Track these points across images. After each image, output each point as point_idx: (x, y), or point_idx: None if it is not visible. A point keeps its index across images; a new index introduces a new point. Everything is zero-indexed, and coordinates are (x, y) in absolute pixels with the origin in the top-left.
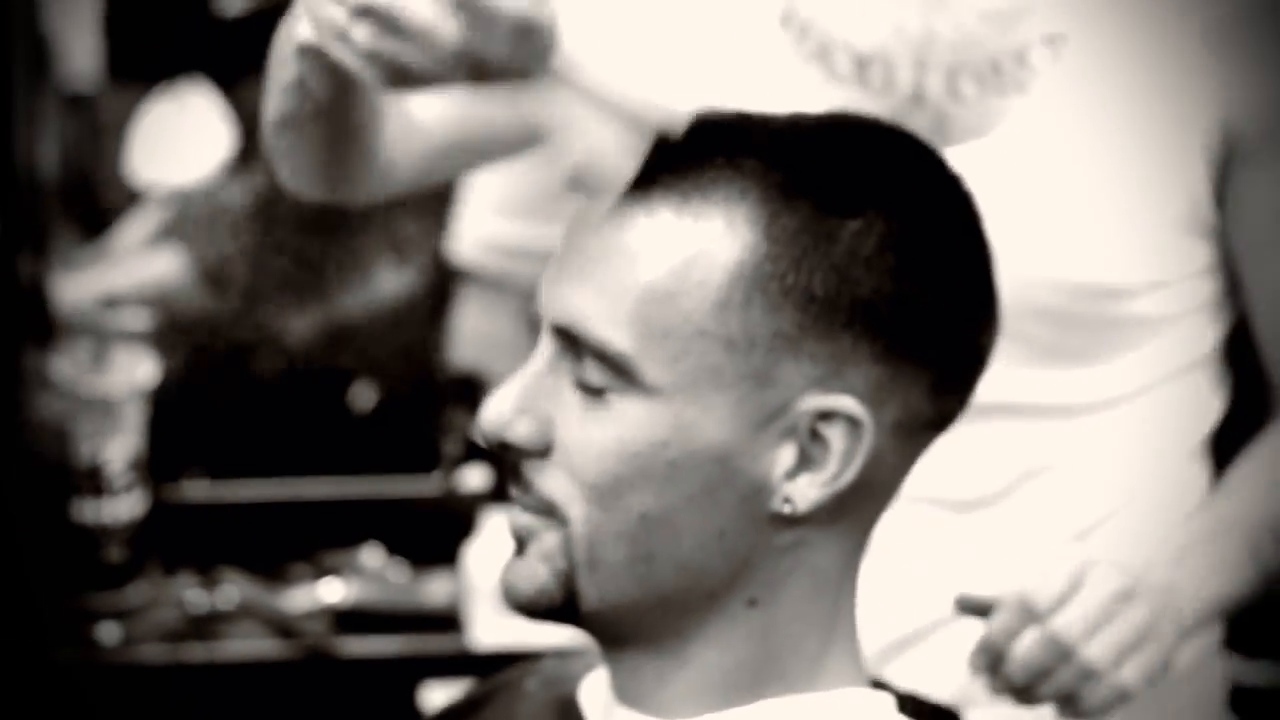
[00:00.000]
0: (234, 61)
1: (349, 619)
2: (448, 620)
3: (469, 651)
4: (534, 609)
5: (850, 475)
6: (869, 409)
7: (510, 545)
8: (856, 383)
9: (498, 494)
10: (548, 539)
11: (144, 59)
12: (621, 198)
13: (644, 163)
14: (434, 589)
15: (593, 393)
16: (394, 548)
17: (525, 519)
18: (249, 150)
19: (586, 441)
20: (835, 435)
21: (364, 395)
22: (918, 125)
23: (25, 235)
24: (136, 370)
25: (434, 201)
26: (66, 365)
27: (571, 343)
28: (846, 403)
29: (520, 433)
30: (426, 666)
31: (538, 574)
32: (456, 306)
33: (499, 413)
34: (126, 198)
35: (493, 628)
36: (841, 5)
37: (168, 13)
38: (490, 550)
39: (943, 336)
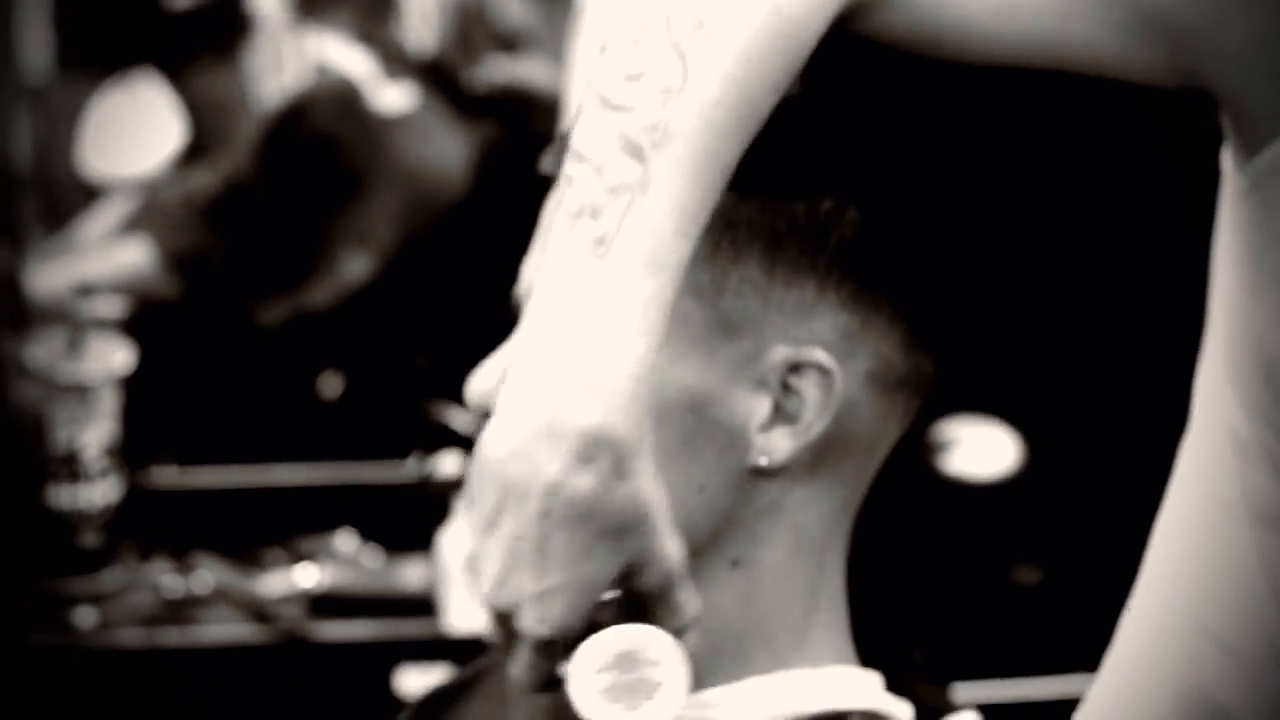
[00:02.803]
0: (183, 52)
1: (324, 603)
2: (423, 605)
3: (444, 636)
4: None
5: (821, 425)
6: (838, 359)
7: None
8: (824, 332)
9: None
10: None
11: (94, 51)
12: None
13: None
14: (409, 574)
15: None
16: (368, 533)
17: None
18: (199, 140)
19: None
20: (807, 386)
21: (331, 383)
22: None
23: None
24: (111, 357)
25: (401, 191)
26: (42, 353)
27: None
28: (815, 353)
29: None
30: (402, 651)
31: None
32: None
33: (485, 384)
34: (79, 189)
35: (467, 612)
36: None
37: (117, 5)
38: (465, 535)
39: (909, 288)
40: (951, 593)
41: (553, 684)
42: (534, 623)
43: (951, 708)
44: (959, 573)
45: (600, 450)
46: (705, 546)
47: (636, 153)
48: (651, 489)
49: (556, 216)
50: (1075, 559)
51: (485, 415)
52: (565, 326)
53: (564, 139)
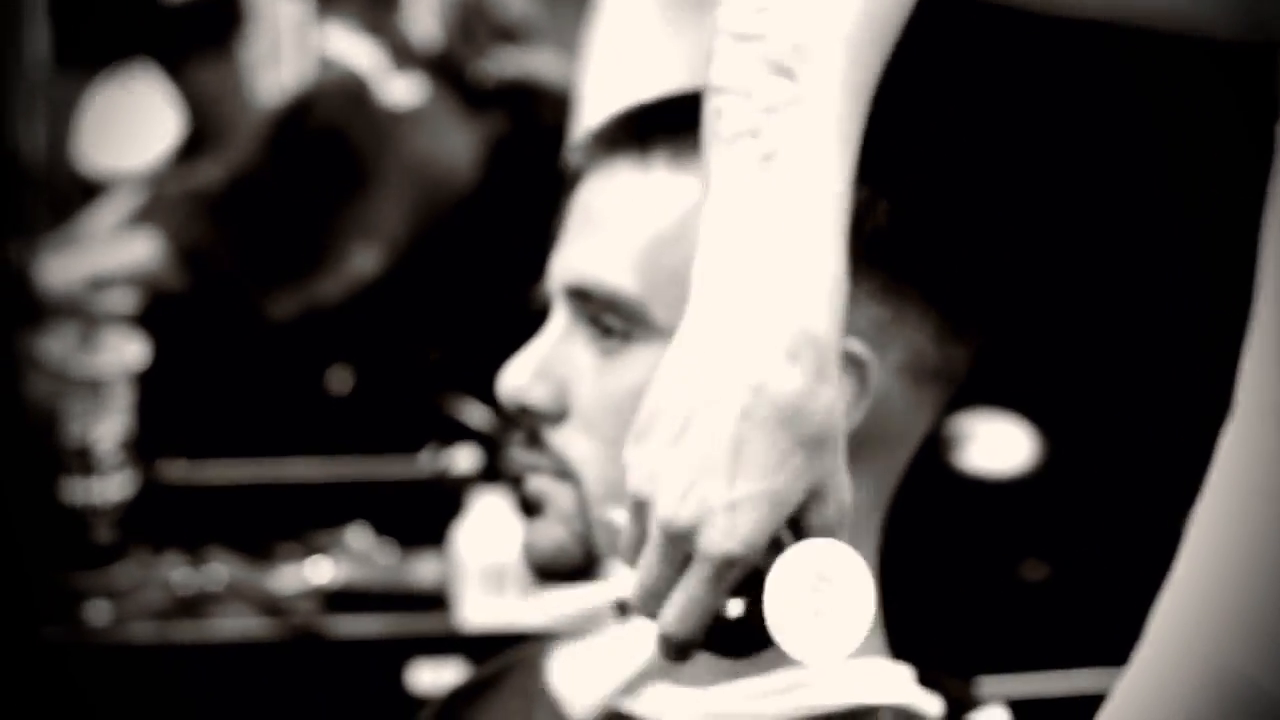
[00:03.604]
0: (180, 46)
1: (337, 599)
2: (436, 600)
3: (457, 631)
4: (555, 568)
5: (859, 415)
6: (873, 349)
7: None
8: (859, 322)
9: (486, 475)
10: (564, 500)
11: (90, 45)
12: (606, 166)
13: (619, 129)
14: (422, 569)
15: (610, 345)
16: (382, 528)
17: (541, 482)
18: (197, 134)
19: (603, 395)
20: (842, 376)
21: (341, 378)
22: None
23: (11, 219)
24: (125, 351)
25: (410, 184)
26: (56, 347)
27: (584, 302)
28: (850, 342)
29: (537, 396)
30: (415, 646)
31: (557, 534)
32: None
33: (517, 379)
34: (78, 184)
35: (481, 608)
36: None
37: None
38: (479, 531)
39: (942, 278)
40: (962, 587)
41: (712, 635)
42: (721, 536)
43: (977, 702)
44: (970, 567)
45: (807, 349)
46: None
47: (785, 72)
48: (841, 407)
49: (711, 150)
50: (1087, 556)
51: (518, 410)
52: (754, 238)
53: (587, 133)
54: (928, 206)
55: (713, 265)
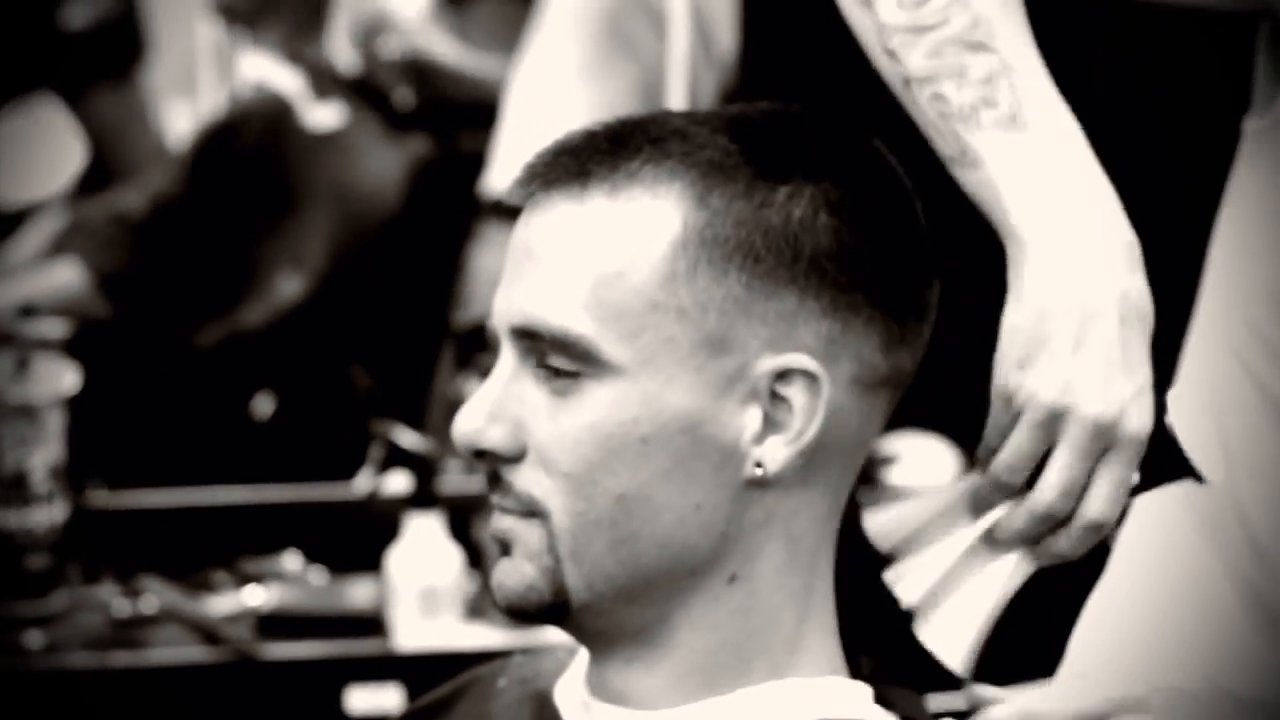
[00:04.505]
0: (80, 74)
1: (272, 623)
2: (371, 624)
3: (393, 654)
4: (524, 607)
5: (814, 430)
6: (823, 364)
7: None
8: (808, 339)
9: (419, 498)
10: (531, 538)
11: None
12: (544, 201)
13: (555, 163)
14: (357, 593)
15: (561, 385)
16: (315, 553)
17: (507, 522)
18: (103, 162)
19: (559, 434)
20: (795, 393)
21: (264, 403)
22: None
23: None
24: (57, 379)
25: (334, 209)
26: None
27: (532, 341)
28: (801, 359)
29: (494, 438)
30: (351, 669)
31: (525, 572)
32: (476, 248)
33: (472, 423)
34: None
35: (416, 631)
36: None
37: (11, 28)
38: (412, 554)
39: (886, 289)
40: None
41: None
42: (1139, 422)
43: (928, 718)
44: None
45: (1137, 256)
46: (703, 564)
47: (981, 46)
48: None
49: (948, 126)
50: None
51: (475, 455)
52: (1055, 180)
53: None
54: (868, 218)
55: (1036, 208)
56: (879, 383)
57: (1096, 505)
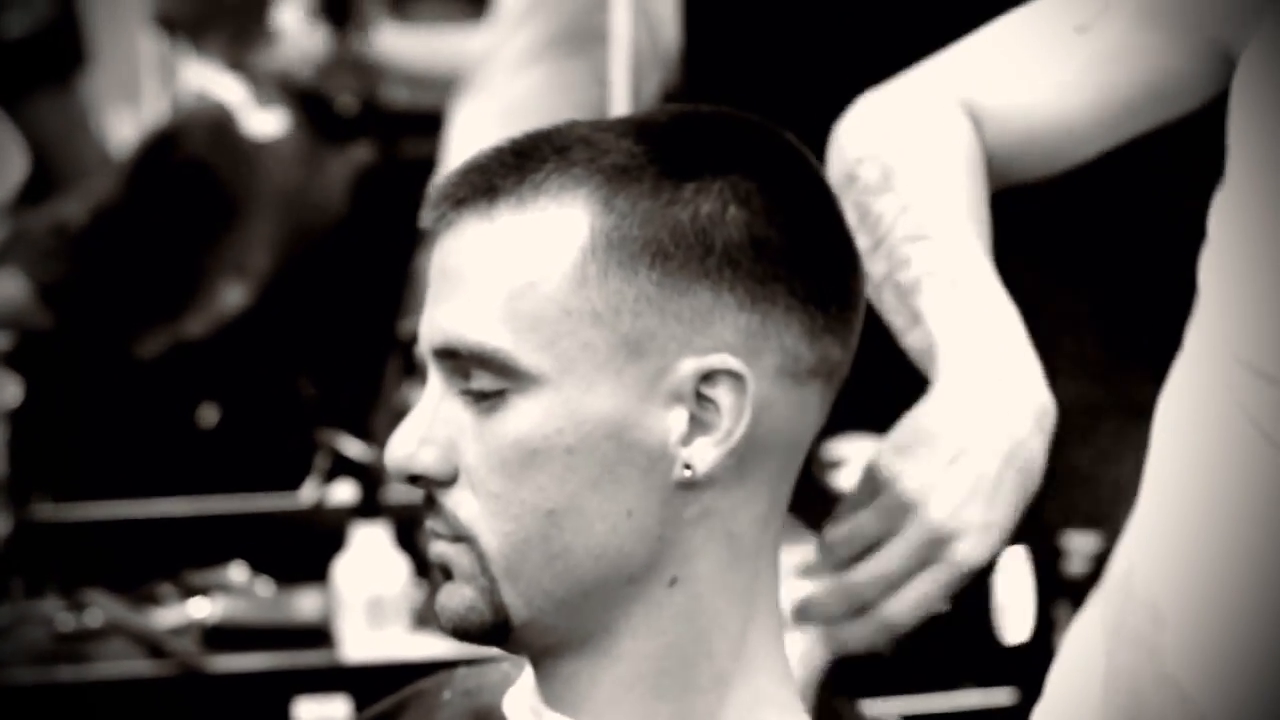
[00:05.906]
0: (20, 83)
1: (218, 635)
2: (318, 635)
3: (340, 665)
4: (467, 628)
5: (742, 429)
6: (746, 359)
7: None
8: (727, 334)
9: (364, 508)
10: (464, 561)
11: None
12: (456, 222)
13: (463, 183)
14: (303, 604)
15: (488, 404)
16: (261, 564)
17: (442, 547)
18: (43, 171)
19: (486, 454)
20: (721, 394)
21: (209, 414)
22: None
23: None
24: (1, 391)
25: (277, 217)
26: None
27: (454, 360)
28: (724, 359)
29: (425, 462)
30: (298, 681)
31: (465, 595)
32: (424, 255)
33: (404, 448)
34: None
35: (363, 641)
36: None
37: None
38: (359, 564)
39: (804, 278)
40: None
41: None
42: (972, 550)
43: None
44: None
45: (1046, 420)
46: (642, 570)
47: (919, 237)
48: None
49: (899, 314)
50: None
51: (407, 479)
52: (983, 332)
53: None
54: (778, 208)
55: (965, 345)
56: (807, 373)
57: (897, 605)
